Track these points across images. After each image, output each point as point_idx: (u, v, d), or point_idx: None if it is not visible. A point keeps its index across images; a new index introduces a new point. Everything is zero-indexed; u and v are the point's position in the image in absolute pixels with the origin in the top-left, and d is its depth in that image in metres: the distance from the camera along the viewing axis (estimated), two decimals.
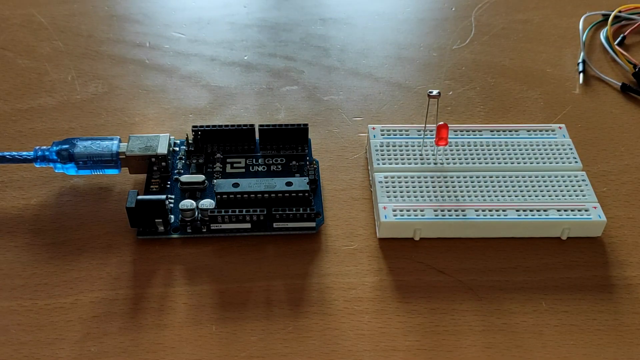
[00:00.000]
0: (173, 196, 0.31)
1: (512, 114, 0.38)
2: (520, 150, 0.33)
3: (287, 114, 0.38)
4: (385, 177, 0.31)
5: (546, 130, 0.34)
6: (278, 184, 0.30)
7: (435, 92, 0.30)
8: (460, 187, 0.31)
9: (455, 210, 0.30)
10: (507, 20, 0.45)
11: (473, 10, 0.46)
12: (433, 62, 0.42)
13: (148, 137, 0.32)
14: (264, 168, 0.33)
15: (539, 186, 0.31)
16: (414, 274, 0.29)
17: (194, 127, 0.33)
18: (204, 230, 0.30)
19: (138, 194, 0.29)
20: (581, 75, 0.40)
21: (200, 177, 0.31)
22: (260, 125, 0.33)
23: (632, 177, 0.34)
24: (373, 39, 0.44)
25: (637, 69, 0.39)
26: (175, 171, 0.32)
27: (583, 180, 0.31)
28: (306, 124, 0.33)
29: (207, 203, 0.30)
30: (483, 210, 0.30)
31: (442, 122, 0.31)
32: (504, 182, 0.31)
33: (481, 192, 0.31)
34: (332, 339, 0.26)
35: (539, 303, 0.28)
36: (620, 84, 0.39)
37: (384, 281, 0.29)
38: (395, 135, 0.34)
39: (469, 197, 0.30)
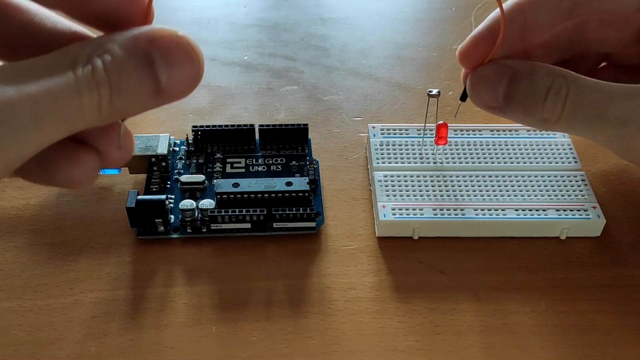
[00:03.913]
0: (173, 196, 0.31)
1: None
2: (520, 150, 0.33)
3: (287, 114, 0.38)
4: (385, 176, 0.31)
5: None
6: (278, 184, 0.30)
7: (435, 91, 0.30)
8: (459, 186, 0.31)
9: (455, 210, 0.30)
10: None
11: (473, 10, 0.46)
12: (433, 62, 0.42)
13: (148, 137, 0.32)
14: (264, 168, 0.33)
15: (539, 186, 0.31)
16: (414, 274, 0.29)
17: (194, 127, 0.33)
18: (204, 230, 0.30)
19: (138, 194, 0.29)
20: None
21: (200, 177, 0.31)
22: (260, 125, 0.33)
23: (631, 177, 0.34)
24: (373, 39, 0.44)
25: None
26: (175, 171, 0.32)
27: (582, 180, 0.31)
28: (306, 124, 0.33)
29: (207, 203, 0.30)
30: (482, 210, 0.30)
31: (441, 122, 0.31)
32: (504, 181, 0.31)
33: (480, 191, 0.31)
34: (332, 339, 0.26)
35: (539, 303, 0.28)
36: None
37: (383, 281, 0.29)
38: (395, 134, 0.34)
39: (468, 196, 0.30)
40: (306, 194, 0.30)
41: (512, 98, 0.24)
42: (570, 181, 0.31)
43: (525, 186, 0.31)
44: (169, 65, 0.17)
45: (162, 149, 0.32)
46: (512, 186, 0.31)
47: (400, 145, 0.33)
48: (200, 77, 0.18)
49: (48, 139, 0.16)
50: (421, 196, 0.30)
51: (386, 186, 0.31)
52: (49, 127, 0.16)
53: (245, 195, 0.30)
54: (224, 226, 0.30)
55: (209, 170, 0.32)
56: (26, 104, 0.15)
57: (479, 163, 0.32)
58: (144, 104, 0.18)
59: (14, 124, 0.15)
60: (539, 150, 0.33)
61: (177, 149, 0.34)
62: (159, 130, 0.36)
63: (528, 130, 0.34)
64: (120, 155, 0.20)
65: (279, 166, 0.33)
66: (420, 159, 0.32)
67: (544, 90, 0.24)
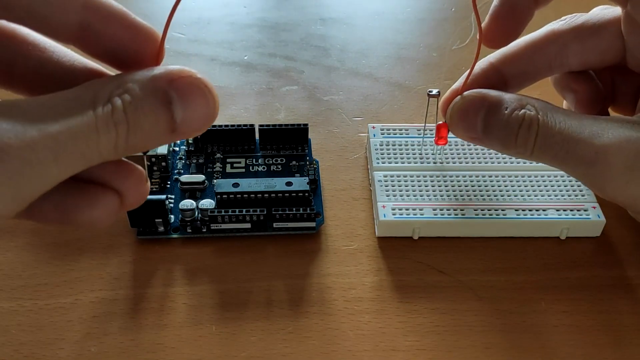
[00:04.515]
0: (173, 196, 0.31)
1: None
2: None
3: (287, 114, 0.38)
4: (385, 176, 0.31)
5: None
6: (278, 184, 0.30)
7: (435, 91, 0.30)
8: (459, 186, 0.31)
9: (455, 210, 0.30)
10: None
11: (473, 10, 0.46)
12: (433, 62, 0.42)
13: None
14: (264, 168, 0.33)
15: (538, 186, 0.31)
16: (414, 274, 0.29)
17: None
18: (204, 230, 0.30)
19: None
20: None
21: (200, 177, 0.31)
22: (260, 125, 0.33)
23: None
24: (373, 39, 0.44)
25: None
26: (175, 171, 0.32)
27: None
28: (306, 124, 0.33)
29: (207, 203, 0.30)
30: (482, 210, 0.30)
31: (442, 122, 0.31)
32: (504, 181, 0.31)
33: (480, 191, 0.31)
34: (332, 339, 0.26)
35: (539, 303, 0.28)
36: None
37: (383, 281, 0.29)
38: (395, 134, 0.34)
39: (468, 196, 0.30)
40: (306, 194, 0.30)
41: (489, 131, 0.25)
42: (570, 181, 0.31)
43: (525, 186, 0.31)
44: (186, 105, 0.18)
45: (162, 149, 0.32)
46: (512, 186, 0.31)
47: (400, 145, 0.33)
48: (214, 117, 0.19)
49: (65, 174, 0.17)
50: (421, 196, 0.30)
51: (386, 186, 0.31)
52: (66, 163, 0.17)
53: (245, 195, 0.30)
54: (224, 226, 0.30)
55: (209, 170, 0.32)
56: (47, 142, 0.16)
57: (479, 163, 0.32)
58: (158, 141, 0.18)
59: (34, 161, 0.16)
60: None
61: (177, 148, 0.34)
62: None
63: None
64: (140, 196, 0.21)
65: (279, 166, 0.33)
66: (420, 159, 0.32)
67: (515, 126, 0.25)
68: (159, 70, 0.18)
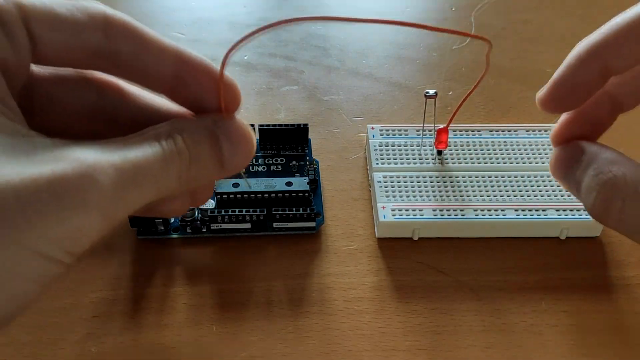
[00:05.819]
0: None
1: (512, 114, 0.38)
2: (520, 150, 0.33)
3: (287, 114, 0.38)
4: (384, 177, 0.31)
5: (545, 130, 0.34)
6: (278, 184, 0.30)
7: (431, 92, 0.30)
8: (459, 186, 0.31)
9: (454, 210, 0.30)
10: (507, 20, 0.45)
11: (473, 10, 0.46)
12: (433, 62, 0.42)
13: None
14: (264, 168, 0.33)
15: (538, 186, 0.31)
16: (414, 274, 0.29)
17: None
18: (204, 230, 0.30)
19: None
20: None
21: None
22: (260, 125, 0.33)
23: None
24: (373, 39, 0.44)
25: None
26: None
27: None
28: (306, 124, 0.33)
29: (207, 203, 0.30)
30: (482, 210, 0.30)
31: (442, 127, 0.31)
32: (503, 182, 0.31)
33: (480, 191, 0.31)
34: (332, 339, 0.26)
35: (539, 303, 0.28)
36: None
37: (383, 281, 0.29)
38: (394, 135, 0.34)
39: (467, 197, 0.30)
40: (306, 194, 0.30)
41: (577, 186, 0.23)
42: None
43: (525, 186, 0.31)
44: (231, 141, 0.21)
45: None
46: (512, 186, 0.31)
47: (399, 146, 0.33)
48: (253, 153, 0.22)
49: (140, 202, 0.18)
50: (421, 197, 0.30)
51: (386, 187, 0.31)
52: (144, 189, 0.18)
53: (245, 195, 0.30)
54: (224, 226, 0.30)
55: None
56: (127, 166, 0.17)
57: (479, 163, 0.32)
58: (211, 174, 0.21)
59: (123, 185, 0.17)
60: (538, 150, 0.33)
61: None
62: None
63: (527, 131, 0.34)
64: (208, 195, 0.23)
65: (279, 166, 0.33)
66: (420, 159, 0.32)
67: (596, 189, 0.22)
68: (206, 114, 0.22)
